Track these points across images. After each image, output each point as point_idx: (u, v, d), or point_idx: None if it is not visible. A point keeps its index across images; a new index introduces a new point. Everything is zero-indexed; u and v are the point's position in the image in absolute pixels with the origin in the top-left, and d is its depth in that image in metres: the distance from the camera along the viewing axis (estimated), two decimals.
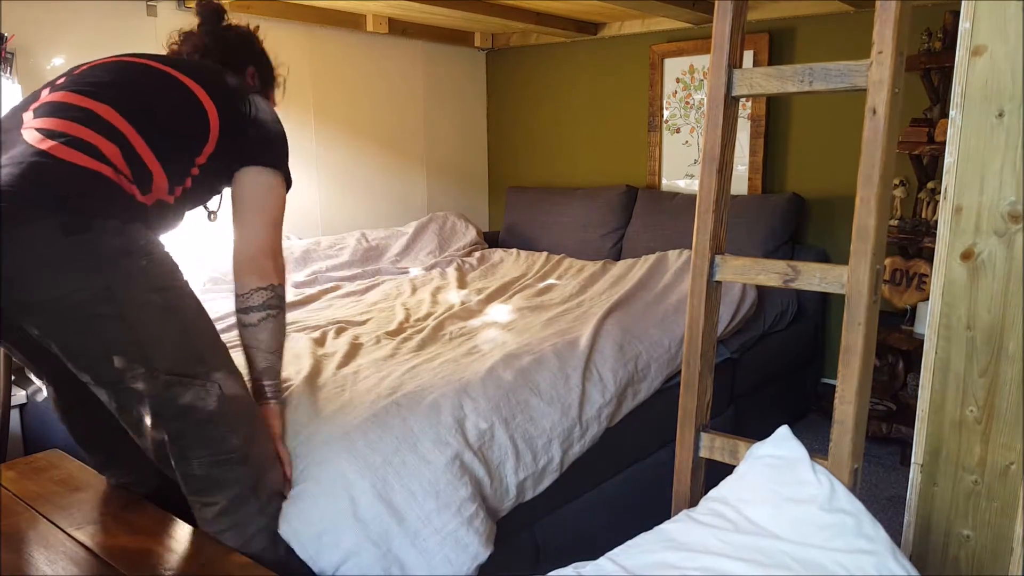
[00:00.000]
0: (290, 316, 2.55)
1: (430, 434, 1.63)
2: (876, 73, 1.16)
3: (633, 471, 2.19)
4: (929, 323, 1.21)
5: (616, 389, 2.06)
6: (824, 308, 3.25)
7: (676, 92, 3.72)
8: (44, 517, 1.41)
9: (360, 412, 1.65)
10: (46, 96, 1.40)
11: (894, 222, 2.83)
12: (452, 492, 1.55)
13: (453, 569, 1.50)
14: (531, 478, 1.77)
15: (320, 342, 2.23)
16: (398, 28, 3.75)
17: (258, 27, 1.94)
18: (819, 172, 3.36)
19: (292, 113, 3.54)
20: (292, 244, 3.34)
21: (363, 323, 2.44)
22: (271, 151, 1.63)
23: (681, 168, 3.77)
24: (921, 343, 1.24)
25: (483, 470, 1.66)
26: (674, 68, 3.70)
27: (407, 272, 3.33)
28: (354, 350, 2.15)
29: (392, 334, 2.31)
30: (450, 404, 1.72)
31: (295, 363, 2.05)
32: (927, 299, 1.24)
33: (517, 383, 1.87)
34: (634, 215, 3.68)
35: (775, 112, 3.43)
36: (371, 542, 1.45)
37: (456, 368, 1.91)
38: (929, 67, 2.74)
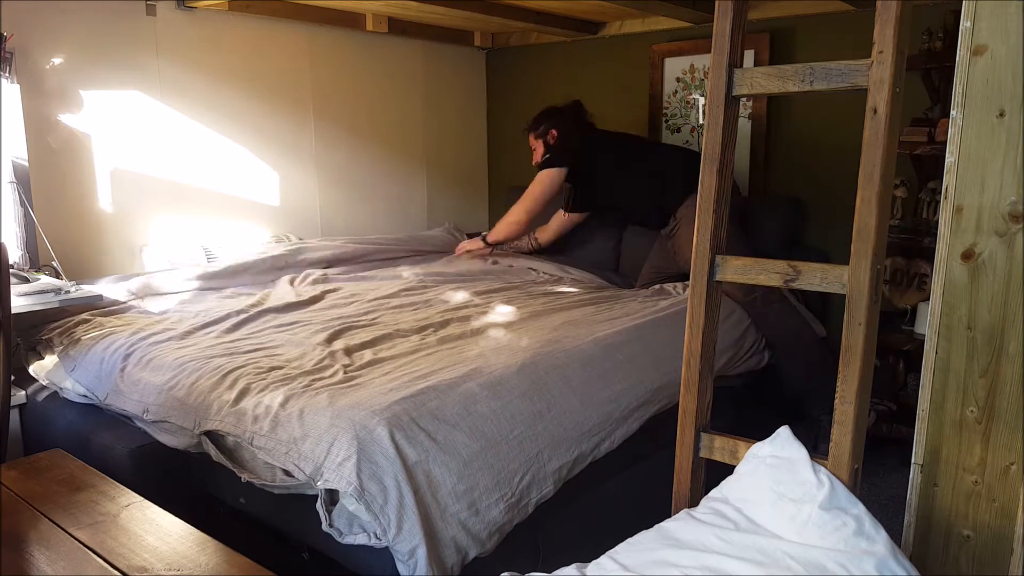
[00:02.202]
0: (296, 316, 2.55)
1: (467, 422, 1.71)
2: (877, 73, 1.16)
3: (633, 471, 2.19)
4: (929, 323, 1.21)
5: (650, 393, 2.12)
6: (825, 308, 3.25)
7: (676, 92, 3.72)
8: (45, 517, 1.41)
9: (400, 393, 1.75)
10: None
11: (895, 222, 2.83)
12: (479, 480, 1.65)
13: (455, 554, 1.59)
14: (566, 467, 1.84)
15: (333, 339, 2.24)
16: (398, 27, 3.75)
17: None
18: (820, 172, 3.35)
19: (291, 113, 3.54)
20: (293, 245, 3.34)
21: (373, 323, 2.45)
22: None
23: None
24: (921, 343, 1.24)
25: (517, 461, 1.73)
26: (674, 67, 3.70)
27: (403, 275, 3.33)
28: (373, 343, 2.19)
29: (407, 332, 2.32)
30: (486, 394, 1.79)
31: (308, 356, 2.06)
32: (928, 299, 1.24)
33: (551, 377, 1.94)
34: None
35: (776, 112, 3.43)
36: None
37: (485, 362, 1.95)
38: (930, 67, 2.74)
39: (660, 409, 2.15)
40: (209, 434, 1.86)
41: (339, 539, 1.59)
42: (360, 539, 1.56)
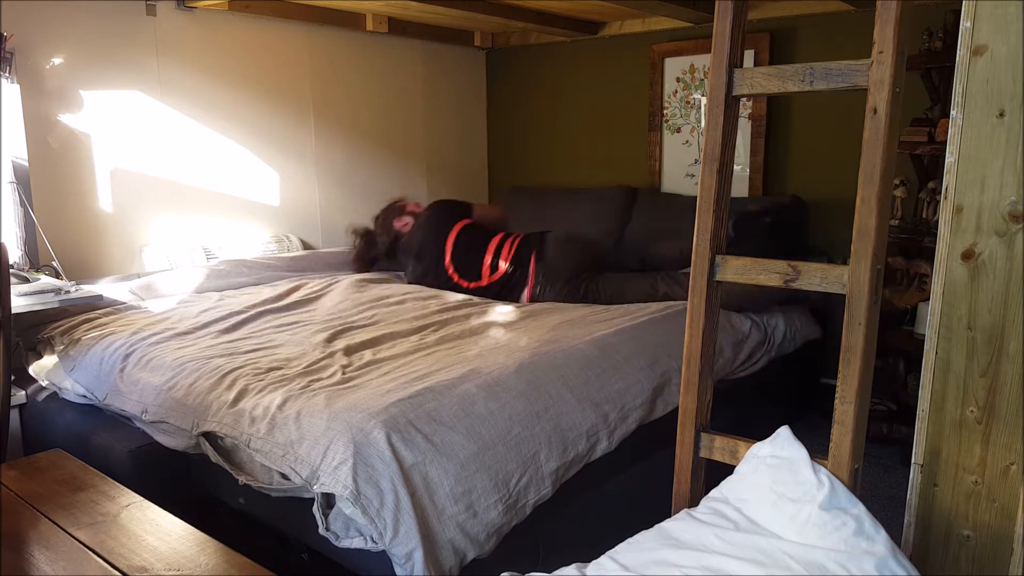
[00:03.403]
0: (293, 316, 2.55)
1: (464, 423, 1.69)
2: (877, 73, 1.16)
3: (633, 471, 2.19)
4: (929, 323, 1.21)
5: (648, 393, 2.12)
6: (825, 308, 3.25)
7: (676, 92, 3.72)
8: (45, 517, 1.41)
9: (396, 395, 1.74)
10: None
11: (895, 222, 2.83)
12: (476, 481, 1.64)
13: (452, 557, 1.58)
14: (564, 467, 1.84)
15: (333, 339, 2.24)
16: (398, 27, 3.75)
17: None
18: (819, 172, 3.36)
19: (291, 113, 3.54)
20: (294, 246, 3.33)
21: (373, 323, 2.45)
22: None
23: (681, 168, 3.77)
24: (921, 343, 1.24)
25: (515, 462, 1.72)
26: (674, 67, 3.70)
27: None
28: (373, 343, 2.19)
29: (406, 332, 2.32)
30: (484, 395, 1.78)
31: (307, 355, 2.06)
32: (928, 299, 1.24)
33: (549, 378, 1.94)
34: (634, 215, 3.68)
35: (776, 112, 3.43)
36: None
37: (483, 363, 1.94)
38: (930, 67, 2.74)
39: (658, 409, 2.15)
40: (207, 435, 1.86)
41: (335, 542, 1.58)
42: (356, 542, 1.56)
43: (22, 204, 2.61)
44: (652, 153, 3.83)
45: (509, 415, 1.78)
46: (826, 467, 1.18)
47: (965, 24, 1.12)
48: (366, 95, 3.84)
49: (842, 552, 1.03)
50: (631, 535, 1.16)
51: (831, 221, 3.31)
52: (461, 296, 2.85)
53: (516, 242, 3.03)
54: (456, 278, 3.01)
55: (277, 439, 1.69)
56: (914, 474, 1.25)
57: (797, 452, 1.18)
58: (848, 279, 1.20)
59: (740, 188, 3.49)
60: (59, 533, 1.35)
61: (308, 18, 3.42)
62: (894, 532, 1.11)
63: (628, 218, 3.70)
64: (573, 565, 1.11)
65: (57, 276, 2.62)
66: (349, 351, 2.13)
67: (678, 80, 3.70)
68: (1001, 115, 1.11)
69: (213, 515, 1.94)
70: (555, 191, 4.02)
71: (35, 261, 2.67)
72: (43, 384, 2.36)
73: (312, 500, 1.63)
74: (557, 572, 1.09)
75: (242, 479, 1.74)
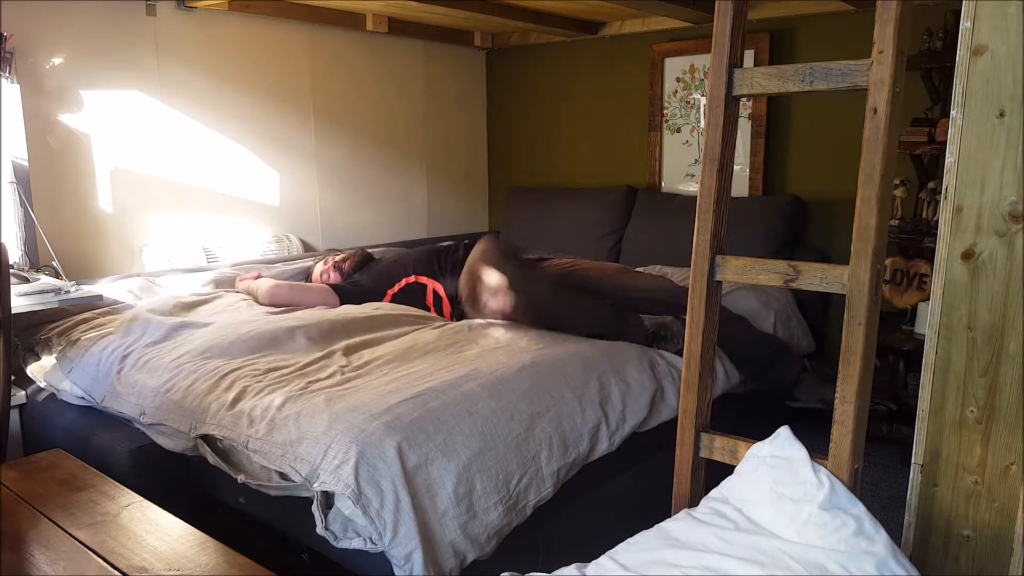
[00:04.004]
0: (296, 314, 2.55)
1: (466, 424, 1.69)
2: (877, 73, 1.16)
3: (633, 471, 2.19)
4: (929, 323, 1.21)
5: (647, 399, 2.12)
6: (824, 308, 3.25)
7: (676, 92, 3.72)
8: (45, 517, 1.41)
9: (398, 396, 1.74)
10: None
11: (895, 222, 2.83)
12: (477, 482, 1.63)
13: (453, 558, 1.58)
14: (565, 468, 1.83)
15: (330, 340, 2.24)
16: (398, 27, 3.75)
17: None
18: (820, 173, 3.35)
19: (291, 113, 3.54)
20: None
21: (372, 321, 2.45)
22: None
23: (681, 168, 3.77)
24: (921, 343, 1.24)
25: (516, 462, 1.72)
26: (674, 67, 3.70)
27: None
28: (372, 342, 2.18)
29: (406, 330, 2.32)
30: (486, 395, 1.79)
31: (306, 355, 2.06)
32: (928, 299, 1.24)
33: (551, 377, 1.94)
34: (633, 215, 3.68)
35: (776, 112, 3.43)
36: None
37: (485, 362, 1.94)
38: (930, 67, 2.74)
39: (658, 410, 2.15)
40: (205, 437, 1.86)
41: (334, 543, 1.58)
42: (355, 543, 1.56)
43: (22, 204, 2.61)
44: (652, 153, 3.83)
45: (511, 415, 1.78)
46: (826, 467, 1.18)
47: (965, 24, 1.12)
48: (366, 95, 3.84)
49: (842, 552, 1.03)
50: (631, 535, 1.16)
51: (831, 221, 3.31)
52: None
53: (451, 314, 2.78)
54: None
55: (276, 439, 1.69)
56: (914, 474, 1.25)
57: (797, 452, 1.18)
58: (848, 279, 1.20)
59: (740, 188, 3.49)
60: (59, 533, 1.35)
61: (308, 18, 3.41)
62: (894, 532, 1.11)
63: (628, 218, 3.70)
64: (573, 565, 1.11)
65: (57, 276, 2.62)
66: (348, 351, 2.13)
67: (678, 80, 3.70)
68: (1001, 115, 1.11)
69: (213, 515, 1.94)
70: (555, 191, 4.02)
71: (35, 261, 2.67)
72: (41, 386, 2.36)
73: (311, 499, 1.63)
74: (557, 572, 1.09)
75: (241, 478, 1.74)
